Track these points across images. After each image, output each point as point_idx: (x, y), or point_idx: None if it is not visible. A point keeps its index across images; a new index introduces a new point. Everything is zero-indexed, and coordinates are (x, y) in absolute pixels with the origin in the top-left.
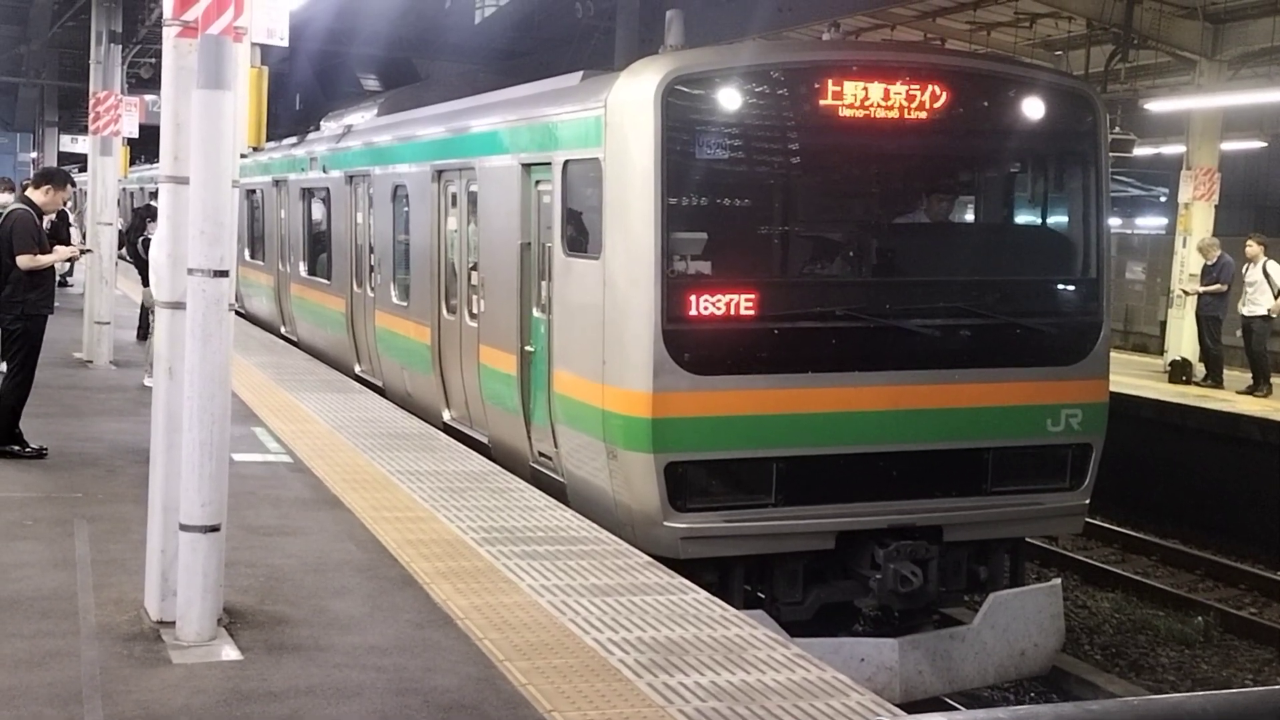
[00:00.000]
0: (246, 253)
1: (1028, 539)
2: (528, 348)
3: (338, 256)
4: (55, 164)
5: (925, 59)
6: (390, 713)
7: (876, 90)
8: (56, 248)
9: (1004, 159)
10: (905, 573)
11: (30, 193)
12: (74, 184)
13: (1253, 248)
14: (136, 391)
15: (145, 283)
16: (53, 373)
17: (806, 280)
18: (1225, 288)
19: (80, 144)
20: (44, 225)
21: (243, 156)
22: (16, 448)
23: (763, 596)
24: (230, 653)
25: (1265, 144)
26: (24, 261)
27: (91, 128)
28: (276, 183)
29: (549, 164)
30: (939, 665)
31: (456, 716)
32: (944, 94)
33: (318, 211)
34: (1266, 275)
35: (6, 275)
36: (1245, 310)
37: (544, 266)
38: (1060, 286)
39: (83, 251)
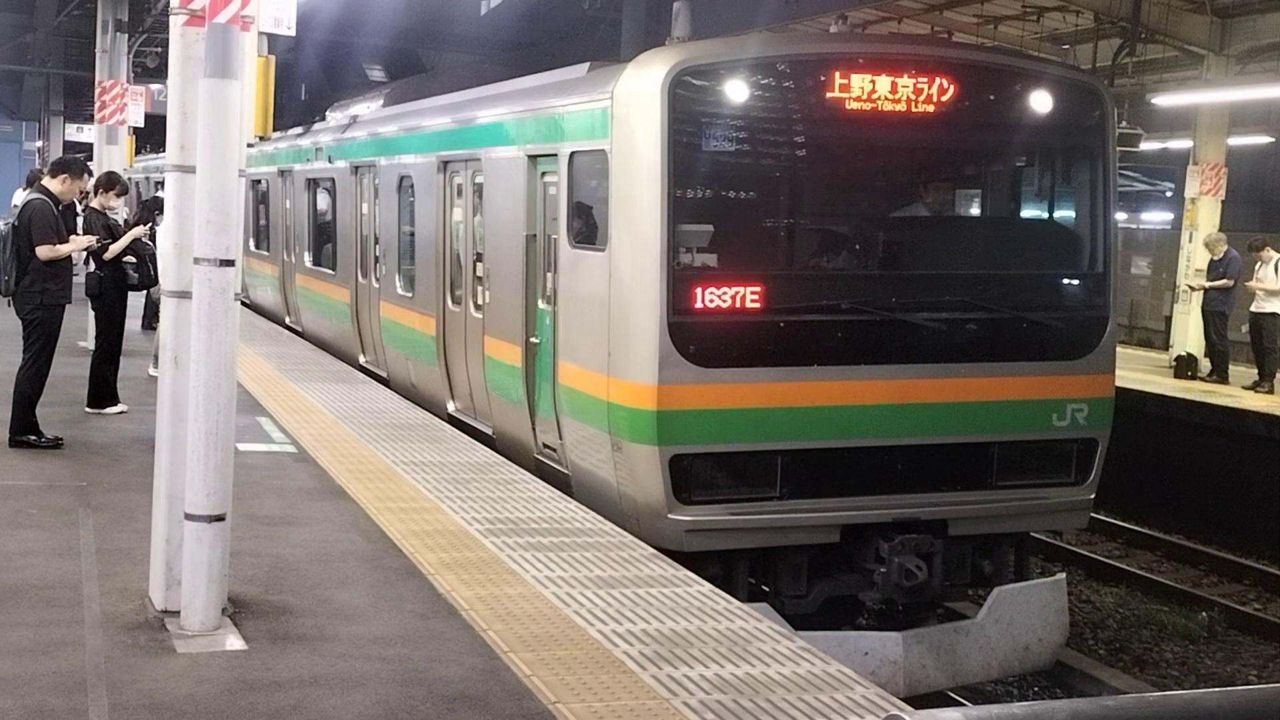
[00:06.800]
0: (251, 243)
1: (1032, 533)
2: (533, 339)
3: (343, 247)
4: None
5: (933, 52)
6: (394, 703)
7: (884, 83)
8: (73, 237)
9: (1011, 153)
10: (910, 566)
11: (47, 182)
12: (90, 173)
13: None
14: (142, 381)
15: None
16: (59, 361)
17: (812, 273)
18: (1231, 283)
19: (86, 133)
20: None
21: (249, 146)
22: (33, 438)
23: (767, 590)
24: (235, 642)
25: (1272, 139)
26: (44, 252)
27: (97, 117)
28: (282, 173)
29: (555, 155)
30: (943, 659)
31: (461, 707)
32: (951, 87)
33: (323, 202)
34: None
35: (26, 265)
36: (1254, 307)
37: (549, 258)
38: (1067, 281)
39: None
